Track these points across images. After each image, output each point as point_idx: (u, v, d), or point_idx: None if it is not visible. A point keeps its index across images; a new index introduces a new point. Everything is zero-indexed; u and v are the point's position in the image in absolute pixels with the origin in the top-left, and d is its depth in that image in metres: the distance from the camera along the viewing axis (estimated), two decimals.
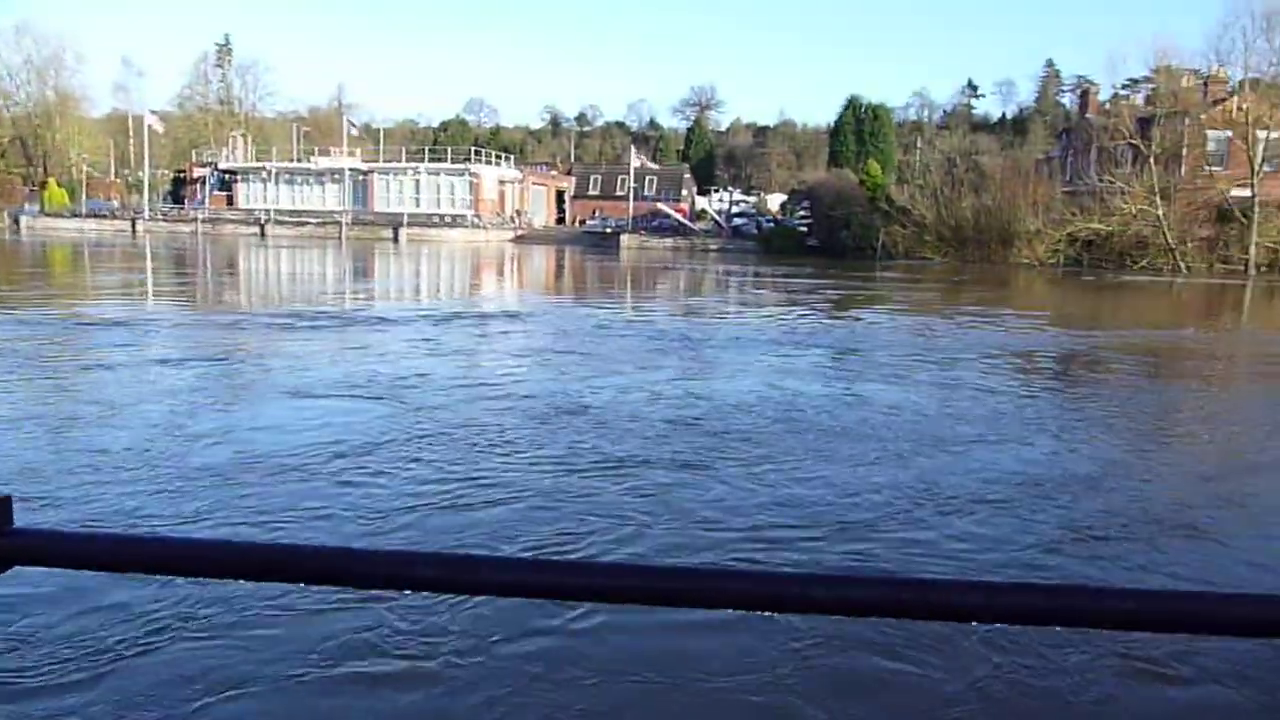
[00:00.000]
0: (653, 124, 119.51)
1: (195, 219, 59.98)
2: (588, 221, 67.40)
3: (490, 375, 10.10)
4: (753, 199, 76.24)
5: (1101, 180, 43.04)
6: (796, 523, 5.31)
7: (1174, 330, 18.68)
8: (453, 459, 6.42)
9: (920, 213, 47.34)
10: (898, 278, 32.90)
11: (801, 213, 56.68)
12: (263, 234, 56.76)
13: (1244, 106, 41.21)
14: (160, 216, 61.91)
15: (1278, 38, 41.43)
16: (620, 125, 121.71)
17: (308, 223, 58.71)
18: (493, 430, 7.32)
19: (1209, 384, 11.93)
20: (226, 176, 66.01)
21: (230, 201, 64.95)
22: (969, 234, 46.15)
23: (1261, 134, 40.41)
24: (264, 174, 64.73)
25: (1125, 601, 0.80)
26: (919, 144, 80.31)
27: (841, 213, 49.64)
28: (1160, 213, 41.20)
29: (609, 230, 59.43)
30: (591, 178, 76.99)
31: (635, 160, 63.56)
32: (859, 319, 18.48)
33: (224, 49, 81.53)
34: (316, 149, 68.24)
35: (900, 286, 28.56)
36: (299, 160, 66.31)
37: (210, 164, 67.02)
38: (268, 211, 61.18)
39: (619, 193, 68.66)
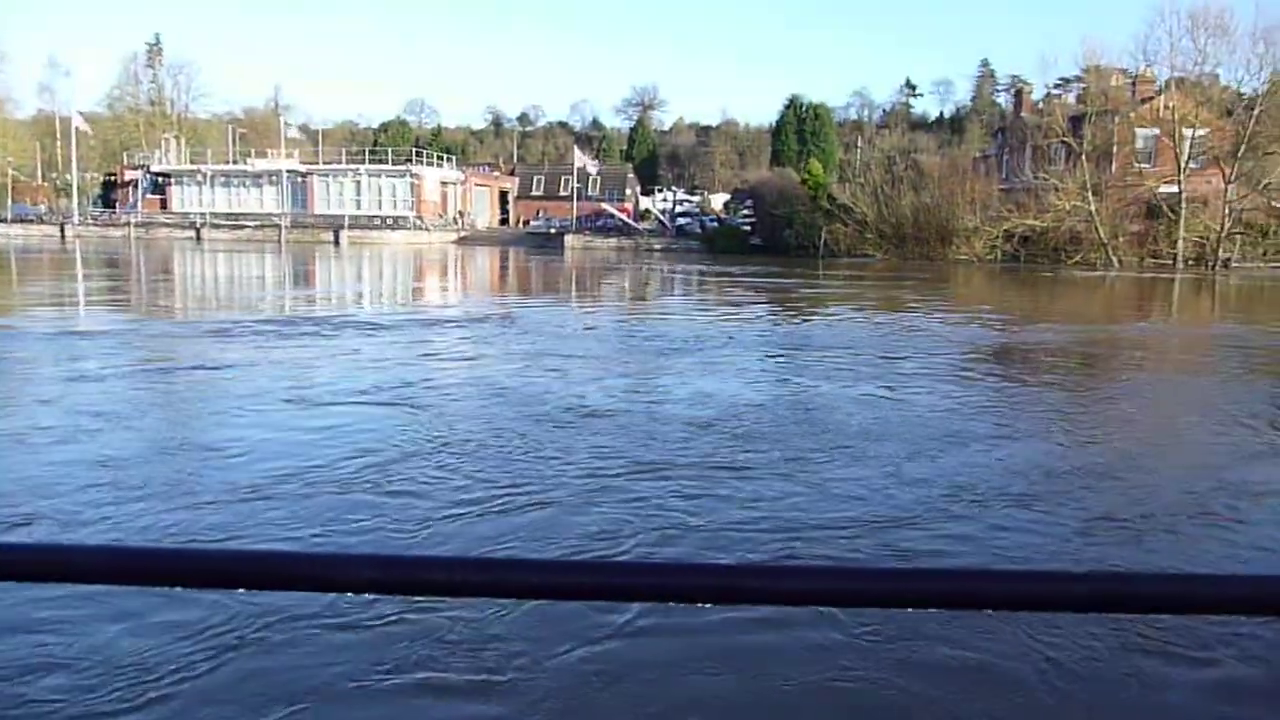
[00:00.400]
0: (596, 124, 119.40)
1: (128, 223, 58.46)
2: (531, 222, 67.11)
3: (476, 379, 9.98)
4: (696, 198, 76.54)
5: (1036, 177, 44.01)
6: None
7: (1125, 325, 19.14)
8: (453, 463, 6.34)
9: (862, 211, 47.92)
10: (846, 276, 33.25)
11: (745, 212, 57.05)
12: (199, 238, 55.53)
13: (1170, 105, 42.42)
14: (90, 221, 60.23)
15: (1202, 38, 42.72)
16: (563, 125, 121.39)
17: (245, 226, 57.57)
18: (498, 433, 7.25)
19: (1169, 375, 12.26)
20: (159, 179, 64.40)
21: (164, 205, 63.37)
22: (909, 231, 46.86)
23: (1187, 132, 41.62)
24: (199, 176, 63.29)
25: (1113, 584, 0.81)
26: (859, 143, 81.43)
27: (784, 211, 50.06)
28: (1093, 209, 42.26)
29: (553, 231, 59.25)
30: (535, 178, 76.65)
31: (579, 160, 63.40)
32: (828, 317, 18.66)
33: (154, 48, 79.53)
34: (253, 150, 66.91)
35: (852, 285, 28.86)
36: (235, 162, 64.98)
37: (142, 167, 65.33)
38: (203, 215, 59.87)
39: (563, 193, 68.43)
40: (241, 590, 0.78)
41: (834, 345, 13.44)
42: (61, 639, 3.68)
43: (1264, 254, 42.46)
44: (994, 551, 5.02)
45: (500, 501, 5.59)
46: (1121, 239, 42.91)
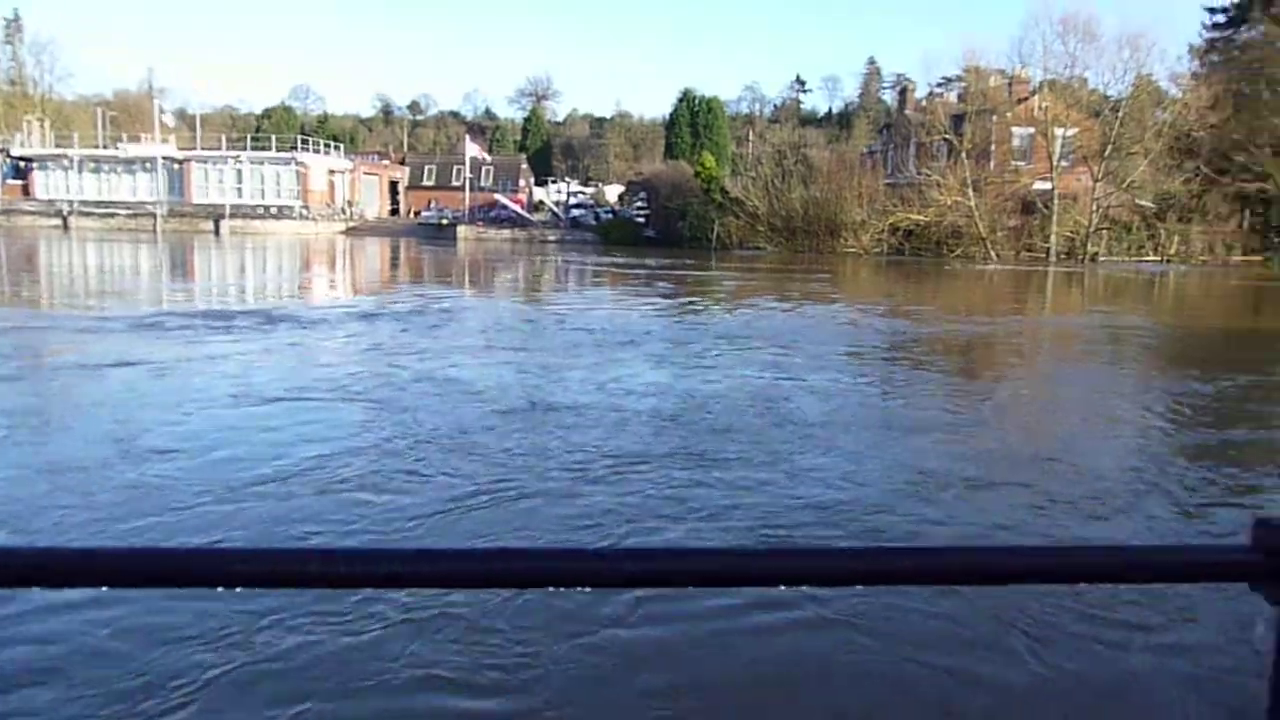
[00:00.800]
0: (489, 114, 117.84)
1: None
2: (423, 213, 65.76)
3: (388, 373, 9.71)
4: (590, 190, 76.36)
5: (920, 173, 45.54)
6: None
7: (1013, 316, 19.97)
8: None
9: (753, 204, 48.62)
10: (739, 268, 33.71)
11: (639, 204, 57.21)
12: (65, 227, 52.56)
13: (1044, 105, 44.49)
14: None
15: (1072, 42, 44.93)
16: (455, 115, 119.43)
17: (117, 214, 54.70)
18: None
19: (1062, 361, 12.85)
20: (21, 164, 60.58)
21: (26, 191, 59.65)
22: (799, 224, 47.79)
23: (1059, 131, 43.74)
24: (65, 161, 59.77)
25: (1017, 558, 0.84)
26: (751, 137, 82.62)
27: (678, 204, 50.42)
28: (972, 204, 43.96)
29: (445, 221, 58.23)
30: (426, 168, 75.18)
31: (471, 150, 62.44)
32: (733, 308, 18.84)
33: (13, 24, 74.84)
34: (125, 135, 63.59)
35: (749, 277, 29.28)
36: (105, 147, 61.65)
37: (1, 150, 61.38)
38: (71, 202, 56.62)
39: (455, 183, 67.33)
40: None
41: (742, 335, 13.61)
42: None
43: (1128, 249, 45.00)
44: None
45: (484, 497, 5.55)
46: (1000, 233, 44.78)
